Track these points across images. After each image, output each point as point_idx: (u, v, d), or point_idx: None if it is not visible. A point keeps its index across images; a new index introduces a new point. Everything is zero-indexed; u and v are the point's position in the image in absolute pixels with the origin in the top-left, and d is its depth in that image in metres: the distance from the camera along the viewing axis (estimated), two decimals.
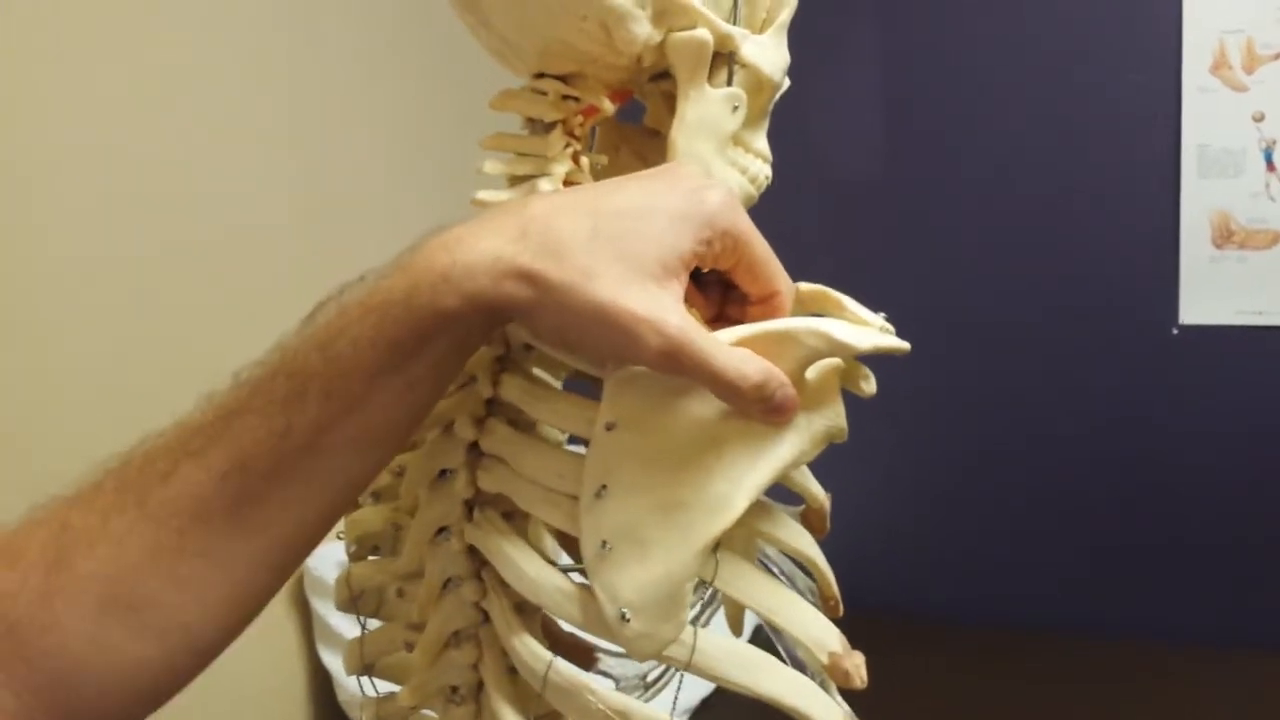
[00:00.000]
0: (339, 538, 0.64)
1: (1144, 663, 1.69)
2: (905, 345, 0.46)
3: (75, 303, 1.12)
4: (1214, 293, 1.82)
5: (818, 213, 1.98)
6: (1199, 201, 1.82)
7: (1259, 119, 1.79)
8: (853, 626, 0.48)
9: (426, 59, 1.67)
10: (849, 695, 0.49)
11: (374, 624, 0.62)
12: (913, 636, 1.81)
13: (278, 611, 1.41)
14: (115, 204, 1.17)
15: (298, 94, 1.44)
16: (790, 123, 1.87)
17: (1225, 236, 1.81)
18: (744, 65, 0.49)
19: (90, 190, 1.14)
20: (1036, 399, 1.91)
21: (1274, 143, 1.79)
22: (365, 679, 0.64)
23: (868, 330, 0.46)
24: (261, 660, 1.38)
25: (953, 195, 1.92)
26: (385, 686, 0.62)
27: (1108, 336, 1.85)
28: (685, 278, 0.43)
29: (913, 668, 1.68)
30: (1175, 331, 1.83)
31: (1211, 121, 1.81)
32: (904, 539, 2.00)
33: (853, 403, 0.48)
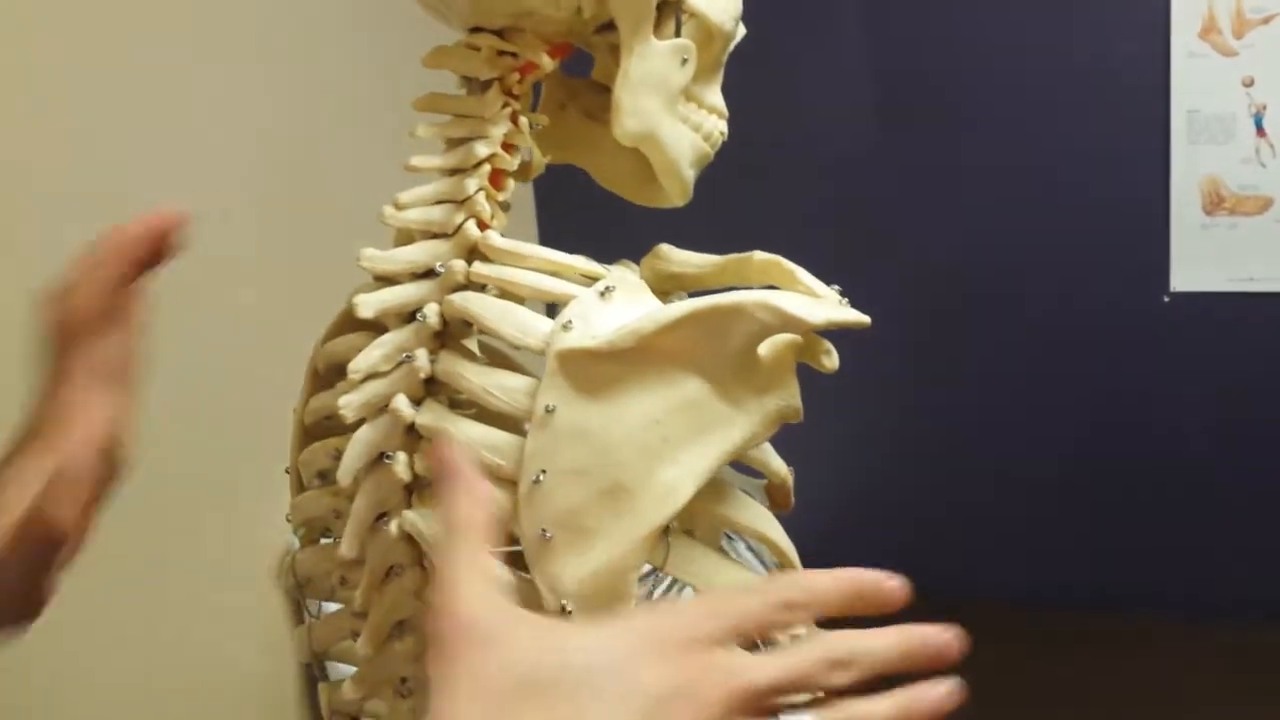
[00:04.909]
0: (286, 520, 0.61)
1: (1128, 632, 1.69)
2: (864, 319, 0.43)
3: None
4: (1205, 259, 1.80)
5: (808, 180, 1.96)
6: (1189, 168, 1.79)
7: (1249, 84, 1.76)
8: None
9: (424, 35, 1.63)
10: None
11: (331, 608, 0.60)
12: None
13: (268, 597, 1.38)
14: (105, 206, 1.14)
15: (284, 88, 1.40)
16: (779, 91, 1.83)
17: (1216, 203, 1.79)
18: (692, 14, 0.46)
19: (82, 192, 1.11)
20: (1028, 368, 1.89)
21: (1264, 108, 1.76)
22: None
23: (822, 303, 0.43)
24: (251, 644, 1.35)
25: (941, 164, 1.89)
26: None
27: (1099, 304, 1.83)
28: None
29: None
30: (1166, 299, 1.80)
31: (1201, 87, 1.78)
32: (891, 509, 1.98)
33: (840, 371, 0.46)
